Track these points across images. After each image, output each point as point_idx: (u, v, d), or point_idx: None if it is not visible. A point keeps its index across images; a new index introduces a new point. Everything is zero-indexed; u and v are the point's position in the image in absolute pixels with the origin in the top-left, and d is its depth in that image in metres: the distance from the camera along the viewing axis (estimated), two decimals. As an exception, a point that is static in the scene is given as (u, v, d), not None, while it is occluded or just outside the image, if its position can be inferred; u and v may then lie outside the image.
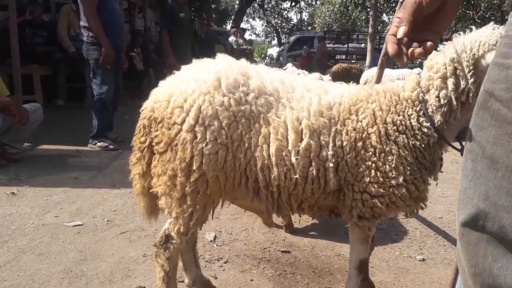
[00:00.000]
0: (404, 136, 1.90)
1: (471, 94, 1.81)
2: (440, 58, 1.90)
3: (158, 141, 1.98)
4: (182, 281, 2.55)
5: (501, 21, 21.80)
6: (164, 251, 2.11)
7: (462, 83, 1.82)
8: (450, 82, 1.84)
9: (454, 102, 1.84)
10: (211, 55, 2.20)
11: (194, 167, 1.90)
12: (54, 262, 2.88)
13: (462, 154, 1.94)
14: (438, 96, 1.87)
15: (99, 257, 2.97)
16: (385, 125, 1.92)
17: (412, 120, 1.90)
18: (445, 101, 1.86)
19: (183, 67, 2.14)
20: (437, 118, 1.87)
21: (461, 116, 1.87)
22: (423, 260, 3.15)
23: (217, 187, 1.98)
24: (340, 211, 2.12)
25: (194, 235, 2.42)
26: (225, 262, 2.99)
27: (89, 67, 5.98)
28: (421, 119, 1.89)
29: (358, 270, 2.22)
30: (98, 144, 6.01)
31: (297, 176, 1.93)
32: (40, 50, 8.28)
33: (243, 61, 2.16)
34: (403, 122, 1.91)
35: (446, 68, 1.86)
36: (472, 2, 21.64)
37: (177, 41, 7.38)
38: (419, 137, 1.89)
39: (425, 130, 1.88)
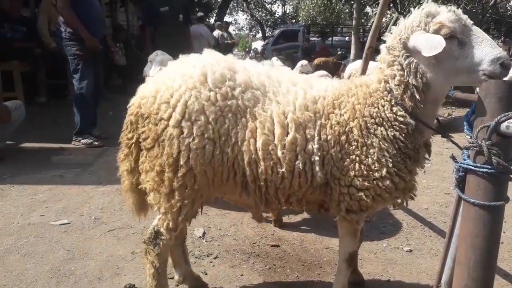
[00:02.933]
0: (383, 128, 1.91)
1: (418, 76, 1.85)
2: (383, 49, 1.97)
3: (145, 137, 1.97)
4: (172, 278, 2.55)
5: (482, 13, 22.10)
6: (154, 248, 2.11)
7: (403, 67, 1.88)
8: (395, 68, 1.90)
9: (409, 85, 1.88)
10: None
11: (181, 162, 1.91)
12: (41, 261, 2.84)
13: (443, 136, 1.95)
14: (396, 84, 1.91)
15: (87, 256, 2.94)
16: (364, 119, 1.94)
17: (386, 111, 1.91)
18: (402, 86, 1.89)
19: (170, 63, 2.14)
20: (407, 104, 1.88)
21: (426, 97, 1.88)
22: (410, 251, 3.20)
23: (205, 182, 1.98)
24: (328, 205, 2.13)
25: (183, 231, 2.41)
26: (215, 258, 2.99)
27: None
28: (395, 108, 1.90)
29: (347, 262, 2.25)
30: (82, 141, 5.93)
31: (283, 170, 1.94)
32: (20, 46, 8.08)
33: (230, 56, 2.16)
34: (379, 114, 1.93)
35: (387, 57, 1.93)
36: (453, -6, 21.87)
37: (160, 36, 7.30)
38: (397, 127, 1.90)
39: (401, 119, 1.89)
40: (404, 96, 1.89)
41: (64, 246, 3.06)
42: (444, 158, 5.75)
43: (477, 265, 1.69)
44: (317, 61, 12.60)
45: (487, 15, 22.93)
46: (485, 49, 1.74)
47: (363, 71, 4.75)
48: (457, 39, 1.77)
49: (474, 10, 22.24)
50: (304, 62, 7.65)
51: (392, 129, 1.90)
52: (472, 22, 1.80)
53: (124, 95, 2.04)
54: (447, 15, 1.79)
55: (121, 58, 11.31)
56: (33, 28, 8.33)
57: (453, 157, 1.83)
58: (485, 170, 1.60)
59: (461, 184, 1.77)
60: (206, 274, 2.78)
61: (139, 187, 2.11)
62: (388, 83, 1.94)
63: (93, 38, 5.72)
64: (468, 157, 1.71)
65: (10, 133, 5.35)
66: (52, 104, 8.52)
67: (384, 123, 1.92)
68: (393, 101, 1.91)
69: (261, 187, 2.02)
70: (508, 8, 31.02)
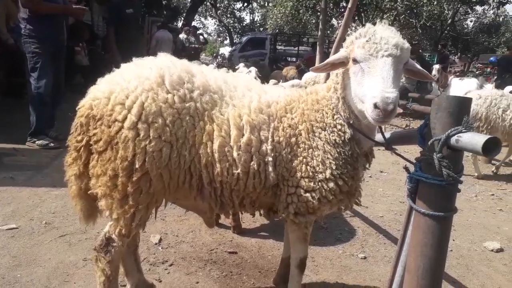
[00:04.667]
0: (325, 132, 2.00)
1: (339, 88, 1.96)
2: None
3: (96, 140, 1.90)
4: (124, 286, 2.47)
5: (441, 30, 23.13)
6: (105, 255, 2.04)
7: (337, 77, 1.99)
8: (334, 76, 2.01)
9: (339, 96, 1.97)
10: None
11: (137, 166, 1.86)
12: (-16, 268, 2.69)
13: (386, 148, 2.01)
14: (332, 92, 2.02)
15: (34, 262, 2.81)
16: (311, 122, 2.03)
17: (329, 118, 2.01)
18: (335, 96, 1.99)
19: (123, 65, 2.09)
20: (342, 113, 1.97)
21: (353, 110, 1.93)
22: (365, 258, 3.26)
23: (160, 186, 1.95)
24: (277, 207, 2.16)
25: (134, 238, 2.35)
26: (170, 265, 2.93)
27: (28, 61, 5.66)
28: (335, 116, 1.99)
29: (299, 268, 2.28)
30: (37, 142, 5.68)
31: (239, 171, 1.97)
32: (-25, 41, 7.71)
33: (184, 60, 2.15)
34: (323, 119, 2.02)
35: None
36: (415, 11, 22.76)
37: (123, 37, 7.18)
38: (336, 133, 1.98)
39: (339, 126, 1.98)
40: (339, 105, 1.98)
41: (10, 252, 2.91)
42: (401, 168, 5.89)
43: (425, 273, 1.74)
44: (285, 71, 13.44)
45: (445, 32, 24.00)
46: (372, 84, 1.70)
47: (326, 80, 4.84)
48: (359, 65, 1.79)
49: (433, 27, 23.23)
50: (242, 64, 7.81)
51: (333, 134, 1.99)
52: (388, 53, 1.72)
53: (84, 96, 1.98)
54: (360, 40, 1.80)
55: (83, 58, 11.02)
56: (-11, 24, 7.96)
57: (406, 168, 1.90)
58: (435, 182, 1.65)
59: (413, 194, 1.83)
60: (160, 281, 2.71)
61: (89, 192, 2.02)
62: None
63: (67, 7, 5.90)
64: (420, 168, 1.76)
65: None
66: (7, 103, 8.15)
67: (327, 127, 2.01)
68: (334, 109, 2.00)
69: (217, 190, 2.03)
70: (465, 26, 32.61)
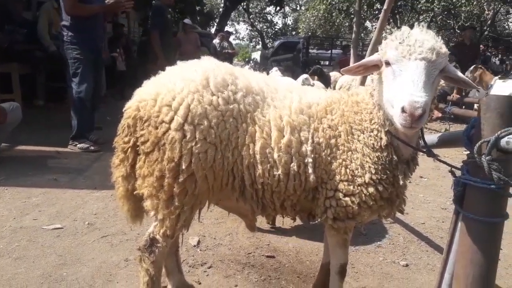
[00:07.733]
0: (364, 135, 1.95)
1: (372, 89, 1.93)
2: None
3: (144, 141, 1.93)
4: (165, 287, 2.51)
5: (481, 30, 22.35)
6: (149, 255, 2.07)
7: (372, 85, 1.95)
8: (372, 79, 1.96)
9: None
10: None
11: (183, 167, 1.88)
12: (33, 266, 2.80)
13: (428, 155, 1.92)
14: (369, 93, 1.97)
15: (79, 262, 2.89)
16: (351, 124, 1.98)
17: (367, 121, 1.95)
18: (371, 102, 1.93)
19: (168, 68, 2.13)
20: (377, 120, 1.91)
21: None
22: (407, 265, 3.17)
23: (205, 187, 1.96)
24: (315, 212, 2.12)
25: (176, 239, 2.38)
26: (209, 267, 2.95)
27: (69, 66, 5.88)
28: (373, 121, 1.93)
29: (339, 275, 2.24)
30: (78, 145, 5.88)
31: (279, 172, 1.96)
32: (20, 48, 8.06)
33: (227, 63, 2.17)
34: (361, 122, 1.97)
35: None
36: (453, 12, 22.10)
37: (163, 42, 7.32)
38: (373, 138, 1.92)
39: (376, 132, 1.91)
40: (374, 111, 1.92)
41: (56, 251, 3.01)
42: (441, 173, 5.75)
43: (475, 282, 1.67)
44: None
45: (485, 33, 23.13)
46: (402, 87, 1.64)
47: (362, 83, 4.80)
48: (391, 67, 1.74)
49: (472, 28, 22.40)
50: (275, 68, 7.66)
51: (371, 138, 1.93)
52: (421, 56, 1.65)
53: (122, 100, 2.03)
54: (394, 42, 1.75)
55: (120, 64, 11.35)
56: (34, 31, 8.33)
57: (452, 172, 1.82)
58: (485, 185, 1.59)
59: (459, 198, 1.76)
60: (199, 283, 2.74)
61: (135, 193, 2.06)
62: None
63: (111, 3, 5.99)
64: (468, 172, 1.69)
65: (6, 135, 5.30)
66: (50, 107, 8.48)
67: (365, 131, 1.96)
68: (371, 114, 1.94)
69: (258, 191, 2.02)
70: (506, 27, 31.35)
